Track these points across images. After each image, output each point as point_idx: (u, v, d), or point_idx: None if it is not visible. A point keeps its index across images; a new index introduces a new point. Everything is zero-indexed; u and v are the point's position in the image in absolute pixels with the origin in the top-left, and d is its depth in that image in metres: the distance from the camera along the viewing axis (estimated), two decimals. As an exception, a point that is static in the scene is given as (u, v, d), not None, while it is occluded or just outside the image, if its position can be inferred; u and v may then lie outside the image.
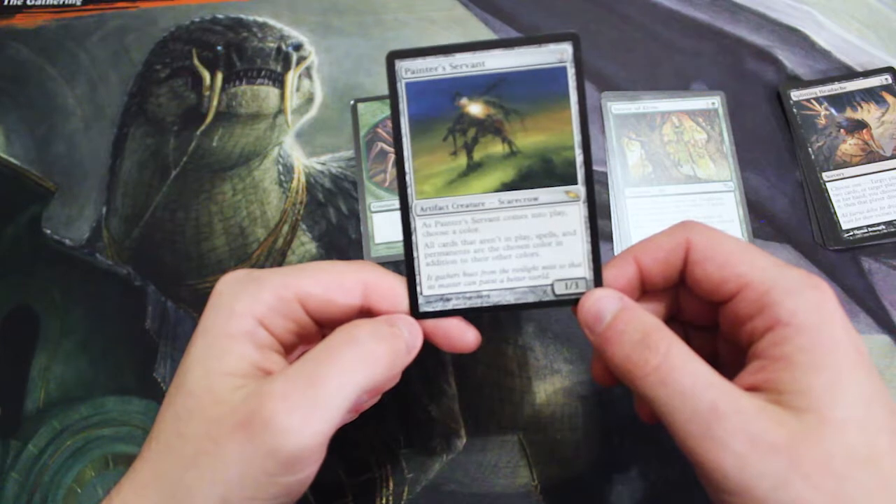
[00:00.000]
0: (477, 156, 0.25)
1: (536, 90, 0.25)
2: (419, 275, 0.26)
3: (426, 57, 0.25)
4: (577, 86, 0.25)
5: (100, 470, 0.34)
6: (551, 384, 0.34)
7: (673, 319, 0.27)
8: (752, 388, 0.21)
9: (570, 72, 0.25)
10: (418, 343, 0.25)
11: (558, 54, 0.25)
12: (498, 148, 0.25)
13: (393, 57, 0.25)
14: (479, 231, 0.26)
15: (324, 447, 0.22)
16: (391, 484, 0.33)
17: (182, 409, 0.22)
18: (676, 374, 0.21)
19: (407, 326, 0.25)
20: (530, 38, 0.25)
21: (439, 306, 0.26)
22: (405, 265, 0.26)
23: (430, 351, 0.35)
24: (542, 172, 0.25)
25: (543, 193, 0.25)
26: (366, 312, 0.26)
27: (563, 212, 0.25)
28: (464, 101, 0.25)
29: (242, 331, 0.23)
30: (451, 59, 0.25)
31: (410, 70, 0.25)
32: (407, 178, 0.25)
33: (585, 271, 0.25)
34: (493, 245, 0.25)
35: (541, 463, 0.33)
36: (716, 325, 0.26)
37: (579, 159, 0.25)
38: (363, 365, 0.23)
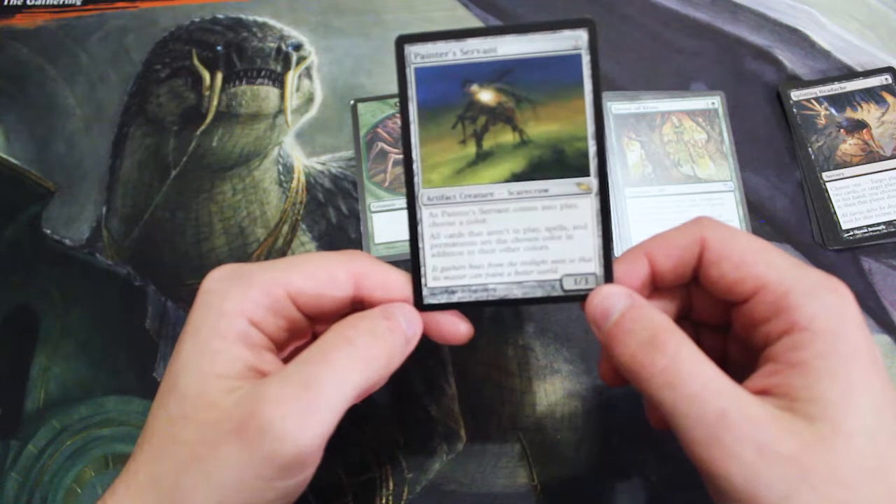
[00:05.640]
0: (487, 145, 0.25)
1: (550, 78, 0.24)
2: (424, 266, 0.25)
3: (436, 42, 0.24)
4: (592, 74, 0.24)
5: (100, 470, 0.33)
6: (551, 384, 0.34)
7: (683, 318, 0.27)
8: (762, 392, 0.21)
9: (585, 60, 0.24)
10: (418, 332, 0.25)
11: (573, 41, 0.24)
12: (508, 137, 0.24)
13: (402, 41, 0.24)
14: (487, 222, 0.25)
15: (321, 450, 0.22)
16: (391, 484, 0.33)
17: (175, 412, 0.22)
18: (684, 377, 0.20)
19: (405, 316, 0.24)
20: (544, 24, 0.24)
21: (444, 299, 0.25)
22: (410, 256, 0.25)
23: (430, 350, 0.35)
24: (554, 163, 0.24)
25: (554, 185, 0.25)
26: (358, 303, 0.25)
27: (575, 204, 0.25)
28: (474, 87, 0.24)
29: (234, 331, 0.23)
30: (463, 44, 0.24)
31: (420, 55, 0.24)
32: (414, 166, 0.25)
33: (596, 267, 0.25)
34: (501, 237, 0.25)
35: (541, 463, 0.33)
36: (727, 325, 0.25)
37: (592, 150, 0.24)
38: (359, 365, 0.22)
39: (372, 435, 0.33)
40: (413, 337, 0.25)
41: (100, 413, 0.34)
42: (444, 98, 0.25)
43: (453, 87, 0.24)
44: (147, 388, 0.35)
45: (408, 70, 0.25)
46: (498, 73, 0.24)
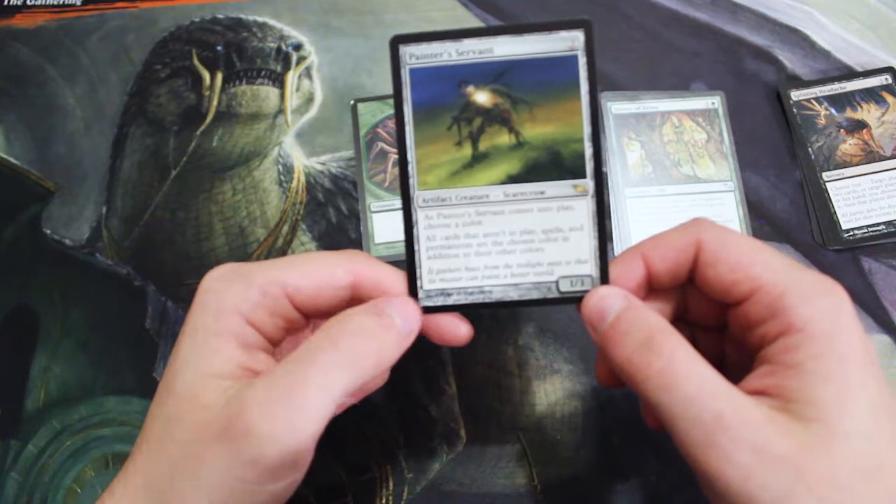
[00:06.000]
0: (482, 146, 0.24)
1: (546, 79, 0.24)
2: (420, 268, 0.25)
3: (432, 42, 0.24)
4: (589, 76, 0.24)
5: (100, 470, 0.34)
6: (551, 384, 0.34)
7: (679, 320, 0.26)
8: (758, 393, 0.21)
9: (582, 61, 0.24)
10: (415, 328, 0.24)
11: (569, 42, 0.24)
12: (504, 139, 0.24)
13: (397, 42, 0.24)
14: (483, 224, 0.25)
15: (310, 451, 0.22)
16: (391, 484, 0.33)
17: (172, 412, 0.22)
18: (680, 379, 0.20)
19: (399, 312, 0.24)
20: (541, 25, 0.24)
21: (440, 301, 0.25)
22: (406, 258, 0.25)
23: (429, 350, 0.35)
24: (550, 165, 0.24)
25: (550, 187, 0.24)
26: (357, 303, 0.25)
27: (571, 206, 0.24)
28: (470, 88, 0.24)
29: (230, 330, 0.23)
30: (458, 44, 0.24)
31: (415, 56, 0.24)
32: (409, 168, 0.25)
33: (592, 268, 0.25)
34: (496, 239, 0.25)
35: (541, 463, 0.33)
36: (723, 326, 0.25)
37: (588, 152, 0.24)
38: (346, 366, 0.22)
39: (372, 435, 0.33)
40: (409, 333, 0.24)
41: (100, 413, 0.34)
42: (440, 99, 0.24)
43: (449, 88, 0.24)
44: (147, 388, 0.35)
45: (402, 71, 0.24)
46: (494, 74, 0.24)
